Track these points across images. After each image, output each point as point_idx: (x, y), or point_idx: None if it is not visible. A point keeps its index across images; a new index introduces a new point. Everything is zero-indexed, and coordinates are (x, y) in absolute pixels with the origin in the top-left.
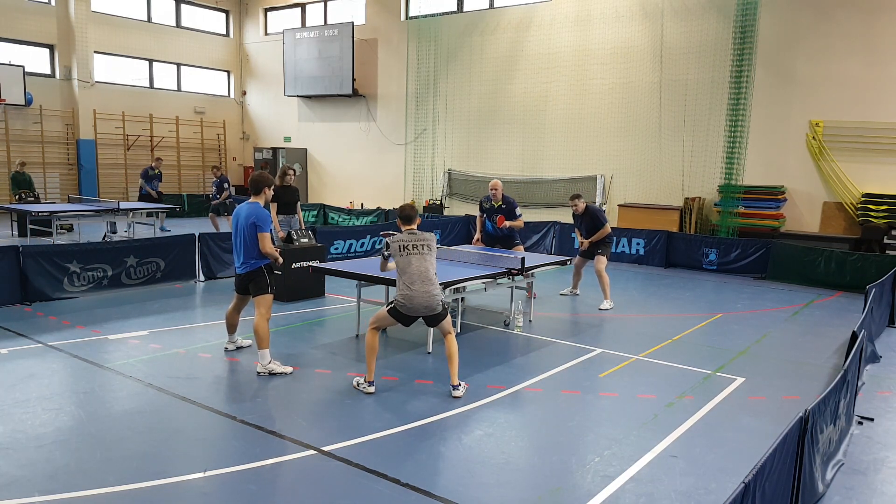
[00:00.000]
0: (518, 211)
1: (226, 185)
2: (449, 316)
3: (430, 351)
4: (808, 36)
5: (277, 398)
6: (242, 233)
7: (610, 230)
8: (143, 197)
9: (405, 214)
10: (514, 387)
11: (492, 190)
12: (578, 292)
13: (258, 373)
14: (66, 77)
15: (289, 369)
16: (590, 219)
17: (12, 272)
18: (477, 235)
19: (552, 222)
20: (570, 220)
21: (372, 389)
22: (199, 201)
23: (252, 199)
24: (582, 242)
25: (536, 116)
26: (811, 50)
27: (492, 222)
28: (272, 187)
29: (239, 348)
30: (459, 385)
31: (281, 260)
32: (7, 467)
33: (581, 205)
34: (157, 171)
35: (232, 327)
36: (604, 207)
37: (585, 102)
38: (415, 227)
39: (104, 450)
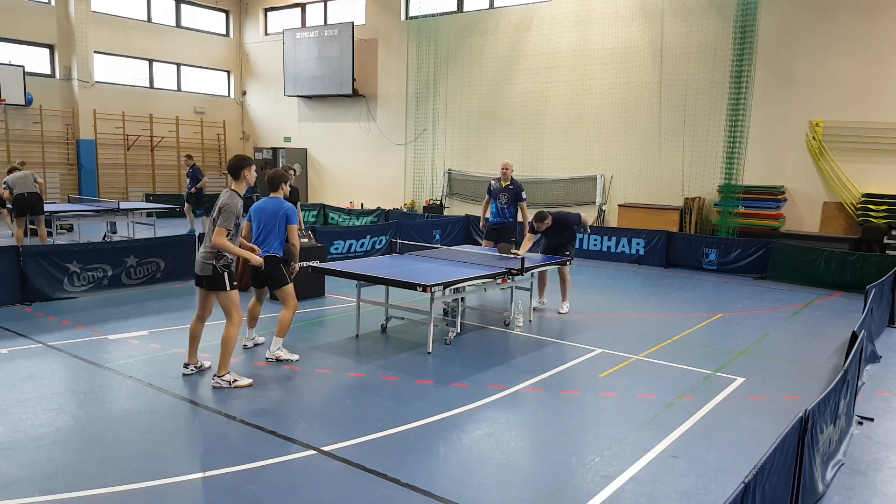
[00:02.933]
0: (524, 195)
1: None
2: (231, 295)
3: (430, 351)
4: (808, 36)
5: (277, 398)
6: (267, 225)
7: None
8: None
9: (229, 166)
10: (514, 387)
11: (503, 169)
12: (546, 301)
13: (266, 358)
14: (66, 77)
15: (295, 357)
16: (557, 226)
17: (12, 272)
18: (482, 221)
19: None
20: None
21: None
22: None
23: (273, 195)
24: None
25: (536, 116)
26: (811, 50)
27: (497, 202)
28: (287, 183)
29: (256, 345)
30: (219, 377)
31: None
32: (7, 467)
33: (547, 223)
34: (188, 168)
35: (253, 319)
36: (604, 208)
37: (585, 102)
38: (239, 189)
39: (104, 450)
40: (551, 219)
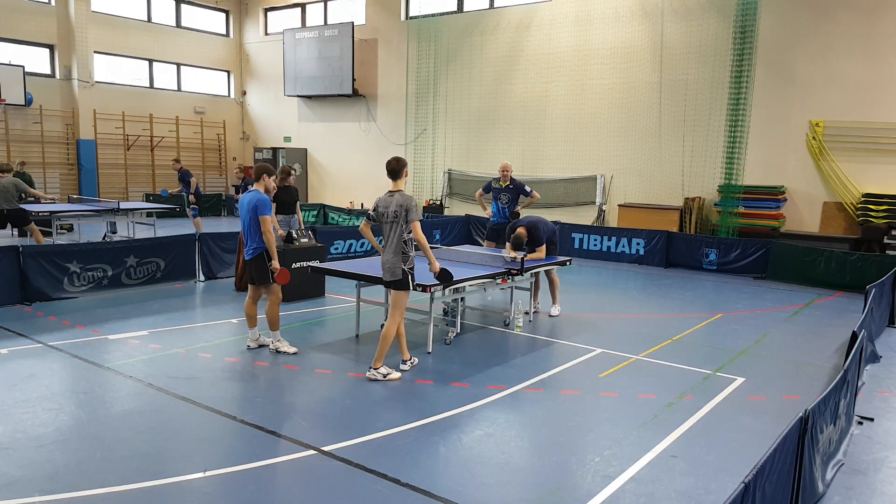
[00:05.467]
0: (528, 188)
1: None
2: (406, 295)
3: (430, 351)
4: (808, 36)
5: (277, 398)
6: (246, 220)
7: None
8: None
9: (390, 168)
10: (514, 387)
11: (502, 171)
12: (539, 305)
13: (269, 348)
14: (66, 77)
15: (294, 349)
16: (536, 238)
17: (12, 272)
18: (487, 211)
19: (552, 222)
20: (572, 221)
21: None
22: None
23: (254, 187)
24: (514, 257)
25: (536, 116)
26: (811, 50)
27: (498, 203)
28: (272, 176)
29: (261, 346)
30: (374, 370)
31: (276, 266)
32: (7, 467)
33: (524, 241)
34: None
35: (251, 319)
36: (604, 208)
37: (585, 102)
38: (400, 187)
39: (104, 450)
40: (525, 231)
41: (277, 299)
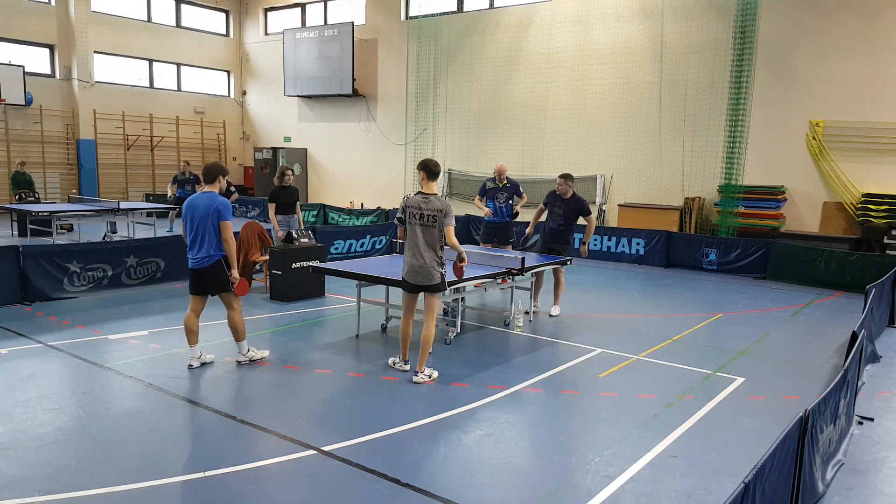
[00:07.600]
0: (521, 189)
1: (233, 188)
2: (440, 296)
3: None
4: (808, 36)
5: (277, 398)
6: (201, 224)
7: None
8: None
9: (430, 170)
10: (514, 387)
11: (498, 174)
12: (539, 305)
13: (239, 362)
14: (66, 77)
15: (266, 353)
16: (576, 204)
17: (12, 272)
18: (486, 210)
19: None
20: None
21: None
22: None
23: (207, 189)
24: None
25: (536, 116)
26: (811, 50)
27: (495, 202)
28: (226, 176)
29: (204, 364)
30: (420, 373)
31: (236, 275)
32: (7, 467)
33: (571, 185)
34: (186, 175)
35: (193, 335)
36: (604, 208)
37: (585, 102)
38: (432, 190)
39: (104, 450)
40: (573, 191)
41: (239, 306)
